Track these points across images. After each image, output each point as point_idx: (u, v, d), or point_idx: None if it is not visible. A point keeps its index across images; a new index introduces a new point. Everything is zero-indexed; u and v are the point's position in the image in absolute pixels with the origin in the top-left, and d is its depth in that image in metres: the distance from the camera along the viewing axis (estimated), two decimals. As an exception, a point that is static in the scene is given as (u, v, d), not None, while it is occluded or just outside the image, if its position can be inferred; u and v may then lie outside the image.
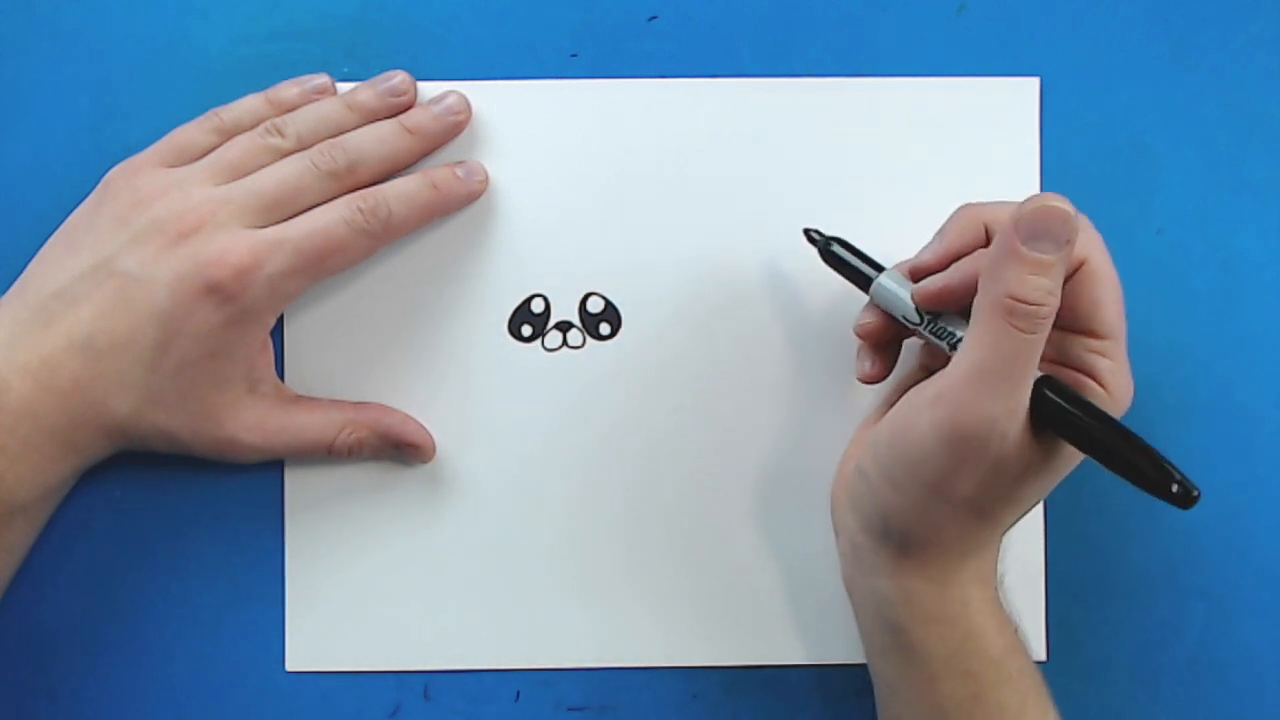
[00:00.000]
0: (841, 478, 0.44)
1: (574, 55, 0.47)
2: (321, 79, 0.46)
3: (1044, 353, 0.37)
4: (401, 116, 0.45)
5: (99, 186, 0.44)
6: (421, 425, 0.46)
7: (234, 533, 0.47)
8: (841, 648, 0.47)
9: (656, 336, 0.47)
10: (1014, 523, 0.41)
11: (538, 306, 0.47)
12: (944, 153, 0.47)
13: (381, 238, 0.44)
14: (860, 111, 0.47)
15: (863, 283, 0.43)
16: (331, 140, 0.44)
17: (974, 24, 0.47)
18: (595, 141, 0.47)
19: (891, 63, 0.47)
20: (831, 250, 0.44)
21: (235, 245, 0.42)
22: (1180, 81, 0.47)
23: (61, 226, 0.44)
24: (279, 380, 0.46)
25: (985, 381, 0.37)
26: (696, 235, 0.47)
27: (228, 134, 0.45)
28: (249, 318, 0.42)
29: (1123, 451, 0.37)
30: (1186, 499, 0.36)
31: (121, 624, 0.46)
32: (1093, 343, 0.40)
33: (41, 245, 0.44)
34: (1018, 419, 0.37)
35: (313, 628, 0.47)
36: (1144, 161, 0.47)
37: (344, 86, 0.46)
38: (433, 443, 0.46)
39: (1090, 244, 0.40)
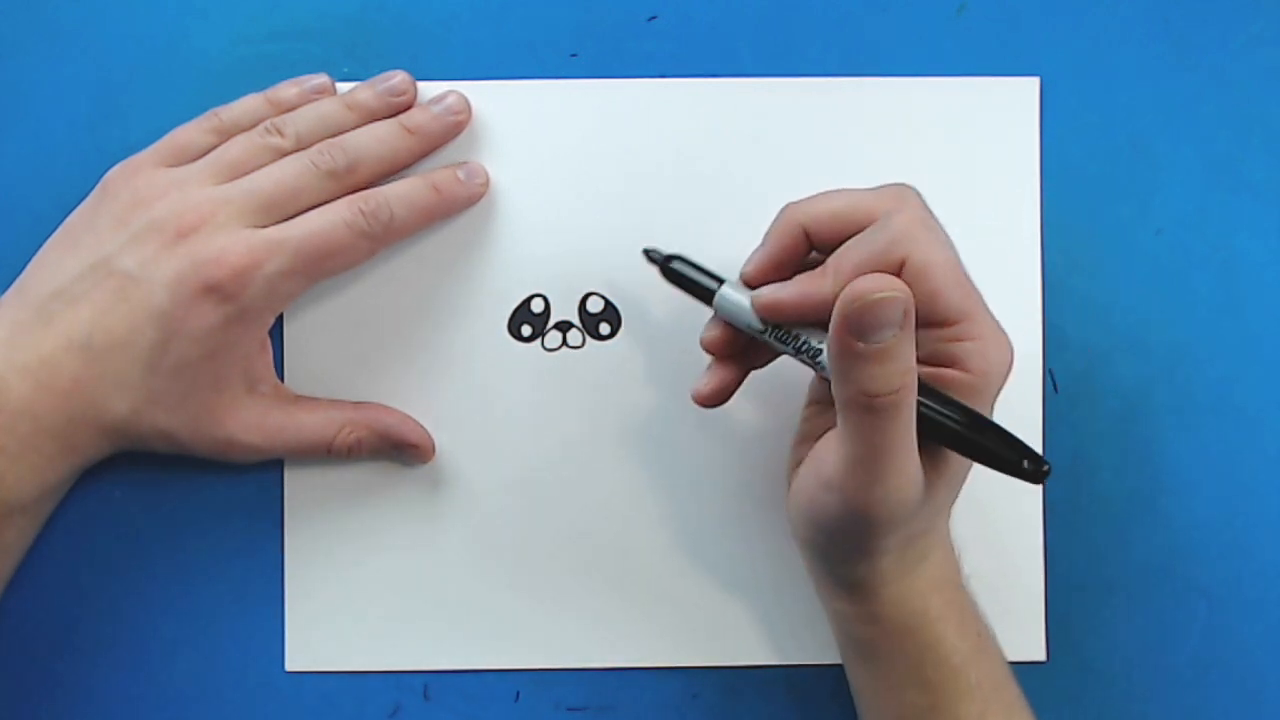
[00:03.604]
0: (789, 508, 0.42)
1: (574, 55, 0.47)
2: (321, 79, 0.46)
3: None
4: (401, 116, 0.45)
5: (98, 186, 0.44)
6: (421, 425, 0.46)
7: (234, 533, 0.47)
8: (841, 648, 0.47)
9: (656, 336, 0.47)
10: (942, 524, 0.41)
11: (538, 306, 0.47)
12: (944, 153, 0.47)
13: (382, 240, 0.44)
14: (860, 111, 0.47)
15: (706, 297, 0.42)
16: (331, 140, 0.44)
17: (974, 24, 0.47)
18: (595, 141, 0.47)
19: (891, 63, 0.47)
20: (671, 267, 0.43)
21: (234, 245, 0.42)
22: (1180, 81, 0.47)
23: (61, 226, 0.44)
24: (278, 380, 0.46)
25: (870, 471, 0.36)
26: (696, 235, 0.47)
27: (227, 134, 0.45)
28: (248, 317, 0.42)
29: (971, 436, 0.37)
30: (1037, 474, 0.36)
31: (121, 624, 0.46)
32: (945, 332, 0.38)
33: (41, 245, 0.44)
34: (914, 480, 0.37)
35: (312, 628, 0.47)
36: (1144, 161, 0.47)
37: (344, 86, 0.46)
38: (432, 443, 0.46)
39: (904, 240, 0.37)
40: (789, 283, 0.39)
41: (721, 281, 0.42)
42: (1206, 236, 0.47)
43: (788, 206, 0.41)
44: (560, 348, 0.47)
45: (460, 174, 0.46)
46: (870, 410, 0.35)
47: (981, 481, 0.46)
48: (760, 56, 0.47)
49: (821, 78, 0.47)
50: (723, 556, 0.47)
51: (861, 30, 0.47)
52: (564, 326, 0.47)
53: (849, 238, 0.39)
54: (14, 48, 0.47)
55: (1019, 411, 0.47)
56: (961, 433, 0.37)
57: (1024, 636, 0.47)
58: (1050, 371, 0.47)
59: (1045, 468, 0.37)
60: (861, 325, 0.34)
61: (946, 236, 0.39)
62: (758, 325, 0.40)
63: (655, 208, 0.47)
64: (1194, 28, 0.47)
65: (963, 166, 0.47)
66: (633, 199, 0.47)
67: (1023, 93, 0.47)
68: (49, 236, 0.44)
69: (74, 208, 0.45)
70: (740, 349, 0.42)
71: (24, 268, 0.44)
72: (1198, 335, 0.47)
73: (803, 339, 0.39)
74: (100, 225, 0.43)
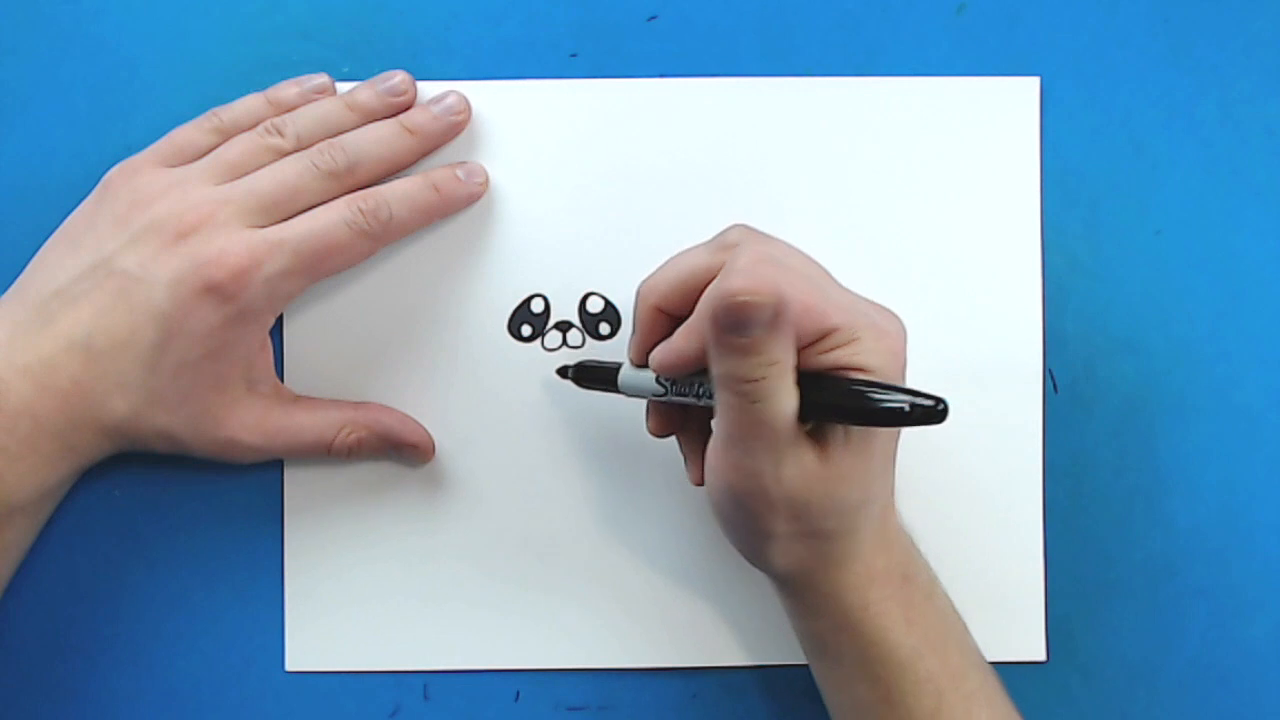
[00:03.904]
0: None
1: (574, 55, 0.47)
2: (321, 79, 0.46)
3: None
4: (401, 116, 0.45)
5: (98, 186, 0.44)
6: (421, 425, 0.46)
7: (234, 533, 0.47)
8: (841, 648, 0.47)
9: (656, 336, 0.47)
10: (866, 521, 0.40)
11: (538, 306, 0.47)
12: (944, 153, 0.47)
13: (381, 239, 0.44)
14: (860, 111, 0.47)
15: (616, 385, 0.43)
16: (331, 140, 0.44)
17: (974, 24, 0.47)
18: (595, 141, 0.47)
19: (891, 63, 0.47)
20: (583, 370, 0.44)
21: (234, 245, 0.42)
22: (1180, 81, 0.47)
23: (61, 226, 0.44)
24: (278, 380, 0.46)
25: (739, 446, 0.38)
26: (696, 235, 0.46)
27: (227, 134, 0.45)
28: (247, 317, 0.42)
29: (866, 400, 0.37)
30: (934, 413, 0.36)
31: (121, 624, 0.46)
32: (820, 344, 0.38)
33: (41, 245, 0.44)
34: (785, 458, 0.38)
35: (312, 628, 0.47)
36: (1144, 161, 0.47)
37: (344, 86, 0.46)
38: (432, 443, 0.46)
39: (749, 273, 0.37)
40: (666, 342, 0.40)
41: (619, 367, 0.43)
42: (1206, 236, 0.47)
43: (640, 288, 0.41)
44: (560, 348, 0.47)
45: (460, 173, 0.46)
46: (738, 392, 0.37)
47: (981, 482, 0.47)
48: (760, 56, 0.47)
49: (821, 78, 0.47)
50: (723, 556, 0.47)
51: (861, 30, 0.47)
52: (564, 326, 0.47)
53: (700, 297, 0.39)
54: (14, 48, 0.47)
55: (1019, 411, 0.47)
56: (843, 401, 0.37)
57: (1024, 636, 0.47)
58: (1050, 371, 0.47)
59: (941, 406, 0.36)
60: (727, 323, 0.36)
61: (797, 256, 0.39)
62: (659, 389, 0.41)
63: (655, 208, 0.47)
64: (1194, 28, 0.47)
65: (963, 166, 0.47)
66: (633, 199, 0.47)
67: (1023, 93, 0.47)
68: (49, 236, 0.44)
69: (74, 208, 0.45)
70: (683, 416, 0.43)
71: (24, 268, 0.44)
72: (1198, 335, 0.47)
73: (697, 384, 0.40)
74: (100, 225, 0.43)
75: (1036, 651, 0.47)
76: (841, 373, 0.38)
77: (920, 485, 0.46)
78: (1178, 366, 0.47)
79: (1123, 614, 0.47)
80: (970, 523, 0.47)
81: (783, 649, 0.47)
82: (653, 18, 0.47)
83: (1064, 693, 0.47)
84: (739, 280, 0.36)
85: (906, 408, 0.36)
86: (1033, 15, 0.47)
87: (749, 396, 0.36)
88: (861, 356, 0.38)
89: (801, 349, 0.37)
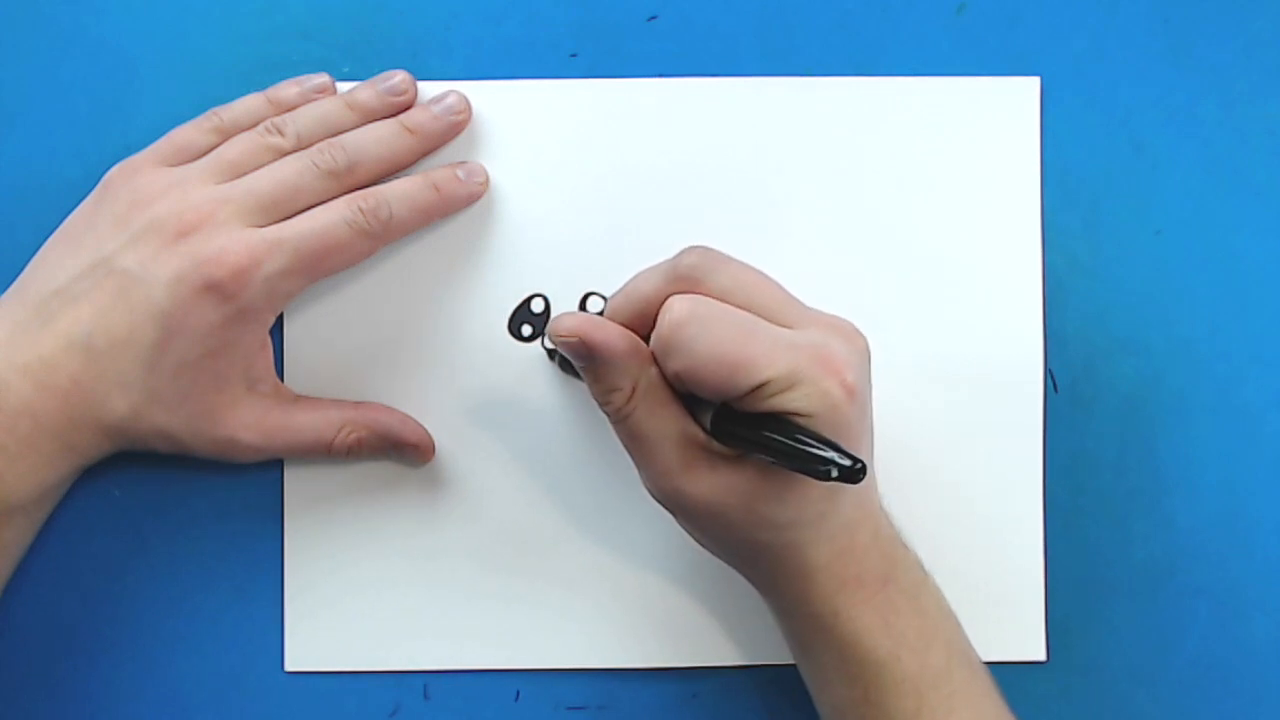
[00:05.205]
0: None
1: (574, 55, 0.47)
2: (321, 79, 0.46)
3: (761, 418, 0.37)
4: (401, 116, 0.45)
5: (98, 186, 0.44)
6: (421, 425, 0.46)
7: (234, 533, 0.47)
8: (841, 648, 0.47)
9: (656, 336, 0.47)
10: (819, 536, 0.39)
11: (538, 306, 0.47)
12: (944, 153, 0.47)
13: (381, 238, 0.44)
14: (860, 111, 0.47)
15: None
16: (331, 140, 0.44)
17: (974, 24, 0.47)
18: (595, 141, 0.47)
19: (891, 63, 0.47)
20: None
21: (234, 244, 0.42)
22: (1180, 81, 0.47)
23: (61, 226, 0.44)
24: (278, 380, 0.46)
25: (632, 454, 0.40)
26: (696, 235, 0.46)
27: (227, 133, 0.45)
28: (247, 317, 0.42)
29: (786, 449, 0.36)
30: (852, 474, 0.35)
31: (121, 624, 0.46)
32: (759, 393, 0.37)
33: (41, 245, 0.44)
34: (687, 470, 0.39)
35: (312, 628, 0.47)
36: (1144, 161, 0.47)
37: (344, 86, 0.46)
38: (432, 443, 0.46)
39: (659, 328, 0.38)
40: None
41: None
42: (1206, 236, 0.47)
43: (605, 307, 0.42)
44: (560, 348, 0.47)
45: (460, 173, 0.46)
46: (604, 411, 0.40)
47: (981, 482, 0.47)
48: (760, 56, 0.47)
49: (821, 78, 0.47)
50: (723, 556, 0.47)
51: (861, 30, 0.47)
52: (564, 326, 0.47)
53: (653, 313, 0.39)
54: (14, 48, 0.47)
55: (1019, 411, 0.47)
56: (758, 441, 0.37)
57: (1024, 636, 0.47)
58: (1050, 371, 0.47)
59: (859, 465, 0.35)
60: (569, 354, 0.39)
61: (740, 290, 0.39)
62: None
63: (655, 208, 0.47)
64: (1194, 28, 0.47)
65: (963, 166, 0.47)
66: (633, 199, 0.47)
67: (1023, 93, 0.47)
68: (49, 236, 0.44)
69: (74, 208, 0.45)
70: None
71: (24, 268, 0.44)
72: (1198, 335, 0.47)
73: None
74: (100, 224, 0.43)
75: (1036, 651, 0.47)
76: (796, 420, 0.37)
77: (921, 485, 0.46)
78: (1178, 366, 0.47)
79: (1123, 614, 0.47)
80: (970, 522, 0.47)
81: (781, 649, 0.47)
82: (653, 18, 0.47)
83: (1064, 693, 0.47)
84: (561, 321, 0.39)
85: (820, 465, 0.35)
86: (1033, 15, 0.47)
87: (611, 416, 0.40)
88: (799, 402, 0.37)
89: (739, 397, 0.37)
